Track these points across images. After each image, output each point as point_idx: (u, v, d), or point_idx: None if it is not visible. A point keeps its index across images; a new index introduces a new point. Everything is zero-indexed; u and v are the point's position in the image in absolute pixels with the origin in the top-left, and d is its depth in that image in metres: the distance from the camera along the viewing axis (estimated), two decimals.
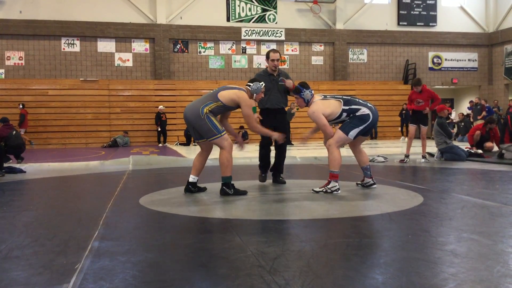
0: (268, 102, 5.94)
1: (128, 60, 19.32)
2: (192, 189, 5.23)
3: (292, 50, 20.95)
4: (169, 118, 18.17)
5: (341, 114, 5.19)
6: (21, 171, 7.92)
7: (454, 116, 21.08)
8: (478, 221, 3.67)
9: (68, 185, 6.69)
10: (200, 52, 20.00)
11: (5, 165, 7.99)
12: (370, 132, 5.58)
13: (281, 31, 20.55)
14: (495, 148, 10.27)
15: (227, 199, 4.84)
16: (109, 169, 8.55)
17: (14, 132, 9.95)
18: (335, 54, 21.24)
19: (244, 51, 20.44)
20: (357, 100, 5.32)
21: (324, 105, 5.22)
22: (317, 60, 21.29)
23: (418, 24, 21.98)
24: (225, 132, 5.06)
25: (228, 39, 20.18)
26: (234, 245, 3.01)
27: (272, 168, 6.18)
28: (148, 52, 19.46)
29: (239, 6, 20.30)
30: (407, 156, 8.97)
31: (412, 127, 9.20)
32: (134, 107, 18.72)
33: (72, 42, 18.75)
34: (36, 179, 7.08)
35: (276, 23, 20.61)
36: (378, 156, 9.37)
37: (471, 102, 19.82)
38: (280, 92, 6.08)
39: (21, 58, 18.35)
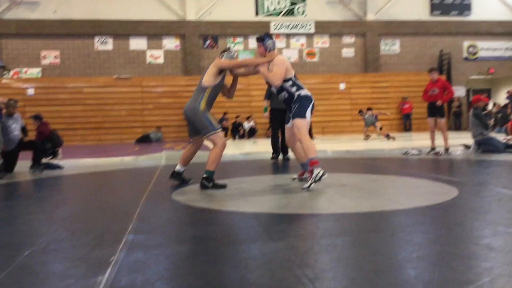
0: (275, 103, 8.00)
1: (159, 57, 19.58)
2: (177, 178, 5.55)
3: (322, 43, 20.75)
4: None
5: (288, 80, 5.17)
6: (58, 167, 8.16)
7: (491, 107, 20.47)
8: None
9: (104, 180, 6.86)
10: (229, 47, 20.04)
11: (44, 161, 8.25)
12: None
13: (311, 24, 20.38)
14: None
15: (259, 194, 4.86)
16: (142, 164, 8.71)
17: (55, 130, 10.25)
18: (366, 46, 20.92)
19: None
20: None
21: (286, 62, 5.22)
22: (348, 53, 21.03)
23: (452, 13, 21.39)
24: (220, 129, 5.23)
25: (257, 33, 20.07)
26: (264, 238, 3.03)
27: (281, 149, 8.35)
28: (178, 48, 19.66)
29: (267, 0, 20.24)
30: (432, 149, 8.83)
31: (430, 120, 9.03)
32: (166, 103, 18.97)
33: (105, 40, 19.13)
34: (73, 175, 7.28)
35: (305, 16, 20.45)
36: (412, 149, 9.21)
37: (508, 92, 19.21)
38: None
39: (56, 57, 18.86)
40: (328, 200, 4.40)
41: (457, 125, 20.92)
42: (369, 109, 16.64)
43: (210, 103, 5.27)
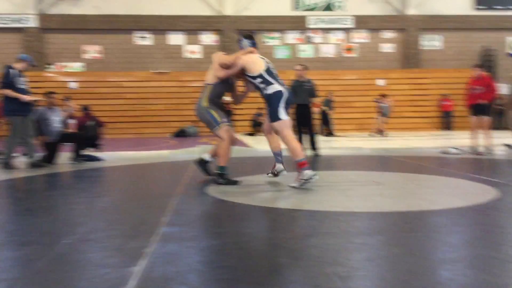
0: (297, 100, 7.95)
1: (197, 52, 19.78)
2: (201, 166, 5.52)
3: (361, 38, 20.44)
4: (235, 108, 18.38)
5: (257, 77, 5.01)
6: (99, 159, 8.39)
7: None
8: None
9: (141, 173, 7.01)
10: (266, 42, 20.05)
11: (85, 153, 8.50)
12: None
13: (349, 19, 20.10)
14: None
15: (292, 190, 4.85)
16: (178, 158, 8.85)
17: (92, 123, 10.58)
18: (406, 41, 20.47)
19: (310, 40, 20.23)
20: (277, 77, 5.09)
21: (251, 57, 5.11)
22: (387, 48, 20.64)
23: (496, 7, 20.64)
24: (224, 123, 5.15)
25: (294, 28, 20.06)
26: (296, 235, 3.02)
27: (310, 146, 8.70)
28: (216, 44, 19.80)
29: None
30: (474, 148, 8.58)
31: (472, 119, 8.74)
32: None
33: (144, 35, 19.48)
34: (112, 167, 7.48)
35: (344, 10, 20.19)
36: (452, 147, 8.97)
37: None
38: (306, 93, 8.67)
39: (98, 52, 19.34)
40: (363, 199, 4.35)
41: (500, 124, 20.21)
42: (383, 95, 16.42)
43: (214, 100, 5.25)
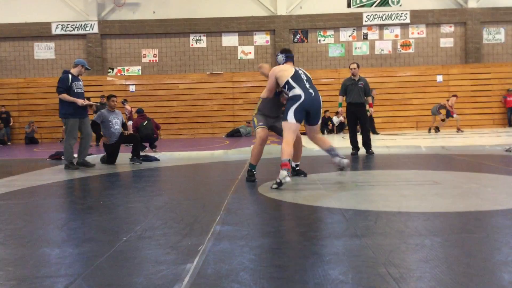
0: (351, 98, 8.56)
1: (250, 52, 19.94)
2: (294, 173, 5.70)
3: (418, 33, 19.83)
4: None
5: (285, 85, 5.25)
6: (155, 159, 8.66)
7: None
8: None
9: (195, 173, 7.16)
10: (319, 41, 19.89)
11: (142, 153, 8.80)
12: (314, 120, 5.28)
13: (406, 14, 19.55)
14: None
15: (344, 189, 4.80)
16: (232, 157, 8.96)
17: (146, 122, 10.94)
18: (467, 35, 19.63)
19: (365, 37, 19.86)
20: (304, 81, 5.23)
21: (281, 68, 5.37)
22: (446, 43, 19.89)
23: None
24: (259, 127, 5.65)
25: (348, 25, 19.76)
26: (348, 235, 2.99)
27: (363, 144, 8.62)
28: (268, 44, 19.87)
29: None
30: None
31: None
32: (256, 98, 19.22)
33: (199, 38, 19.88)
34: (168, 167, 7.69)
35: (400, 5, 19.66)
36: None
37: None
38: (360, 91, 8.54)
39: (155, 56, 19.95)
40: (419, 198, 4.22)
41: None
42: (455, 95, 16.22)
43: (263, 110, 5.77)
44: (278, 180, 4.88)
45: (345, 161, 5.18)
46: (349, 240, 2.87)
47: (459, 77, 19.24)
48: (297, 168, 5.81)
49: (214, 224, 3.34)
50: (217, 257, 2.58)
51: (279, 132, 5.71)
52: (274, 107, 5.73)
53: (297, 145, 5.64)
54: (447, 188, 4.71)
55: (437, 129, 16.04)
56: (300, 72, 5.36)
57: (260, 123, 5.66)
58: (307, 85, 5.23)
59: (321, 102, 5.29)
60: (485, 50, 19.79)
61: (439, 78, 19.26)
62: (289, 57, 5.54)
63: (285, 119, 5.16)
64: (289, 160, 5.00)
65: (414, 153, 8.85)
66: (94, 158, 8.71)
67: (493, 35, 19.79)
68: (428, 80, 19.23)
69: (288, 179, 4.84)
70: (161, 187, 5.86)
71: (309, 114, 5.21)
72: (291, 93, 5.17)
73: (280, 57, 5.56)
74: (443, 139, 12.05)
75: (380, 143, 10.63)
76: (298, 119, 5.12)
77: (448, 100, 16.22)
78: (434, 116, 16.28)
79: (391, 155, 8.53)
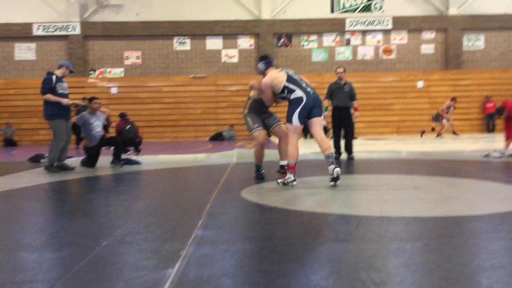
0: (337, 102, 8.63)
1: (234, 56, 19.95)
2: (282, 171, 5.91)
3: (400, 39, 20.06)
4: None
5: (283, 90, 5.42)
6: (137, 162, 8.59)
7: None
8: None
9: (177, 176, 7.12)
10: (303, 45, 20.00)
11: (123, 156, 8.72)
12: (318, 112, 5.42)
13: (388, 20, 19.78)
14: None
15: (327, 194, 4.82)
16: (214, 161, 8.94)
17: (128, 126, 10.86)
18: (447, 42, 19.94)
19: (348, 42, 20.04)
20: (299, 82, 5.45)
21: (272, 77, 5.50)
22: (427, 49, 20.17)
23: None
24: (256, 128, 5.86)
25: (331, 31, 19.90)
26: (330, 240, 3.00)
27: (345, 148, 8.57)
28: (253, 47, 19.90)
29: None
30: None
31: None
32: (239, 102, 19.25)
33: (183, 41, 19.81)
34: (149, 170, 7.63)
35: (382, 11, 19.89)
36: (494, 151, 8.68)
37: None
38: (346, 95, 8.62)
39: (138, 58, 19.81)
40: (400, 203, 4.27)
41: None
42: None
43: (254, 108, 5.95)
44: (284, 181, 5.30)
45: (337, 170, 5.10)
46: (331, 244, 2.88)
47: (440, 83, 19.53)
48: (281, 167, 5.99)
49: (196, 229, 3.32)
50: (198, 262, 2.56)
51: (268, 129, 6.06)
52: (263, 102, 5.86)
53: (285, 144, 5.77)
54: (427, 193, 4.76)
55: (453, 133, 16.24)
56: (291, 73, 5.53)
57: (256, 125, 5.85)
58: (304, 85, 5.43)
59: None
60: (465, 57, 20.13)
61: (420, 84, 19.52)
62: (269, 63, 5.73)
63: (290, 121, 5.37)
64: (295, 164, 5.32)
65: (395, 158, 8.95)
66: (74, 161, 8.59)
67: (473, 42, 20.15)
68: (409, 85, 19.47)
69: (295, 183, 5.24)
70: (143, 191, 5.82)
71: (312, 110, 5.39)
72: (292, 96, 5.37)
73: (261, 65, 5.71)
74: (423, 145, 12.21)
75: (362, 148, 10.72)
76: (302, 121, 5.38)
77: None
78: (437, 123, 16.36)
79: (372, 160, 8.61)
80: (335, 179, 5.09)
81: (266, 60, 5.70)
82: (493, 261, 2.49)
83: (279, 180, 5.41)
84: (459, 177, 5.94)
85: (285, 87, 5.38)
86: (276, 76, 5.46)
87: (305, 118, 5.39)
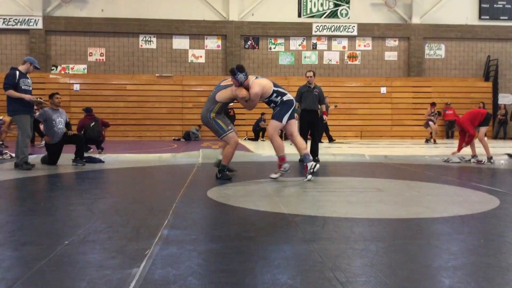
0: (306, 105, 8.55)
1: (201, 56, 19.84)
2: (218, 167, 6.18)
3: (365, 46, 20.49)
4: (238, 113, 18.44)
5: (272, 94, 5.90)
6: (100, 161, 8.40)
7: None
8: None
9: (142, 176, 7.01)
10: (270, 48, 20.11)
11: (86, 155, 8.51)
12: (293, 113, 6.06)
13: (354, 26, 20.16)
14: None
15: (293, 195, 4.85)
16: (180, 161, 8.86)
17: (93, 123, 10.60)
18: (410, 50, 20.50)
19: (314, 47, 20.29)
20: (279, 86, 6.04)
21: (261, 86, 5.86)
22: (390, 56, 20.68)
23: (501, 18, 20.68)
24: (230, 131, 6.02)
25: (298, 35, 20.11)
26: (296, 240, 3.02)
27: (310, 151, 7.91)
28: (220, 48, 19.86)
29: (311, 1, 20.15)
30: (473, 156, 8.67)
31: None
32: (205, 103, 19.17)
33: (149, 39, 19.55)
34: (113, 169, 7.48)
35: (348, 18, 20.25)
36: (453, 156, 8.96)
37: None
38: (315, 99, 8.60)
39: (102, 55, 19.42)
40: (364, 205, 4.34)
41: (502, 134, 20.19)
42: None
43: (220, 112, 6.11)
44: (282, 172, 5.90)
45: (318, 166, 5.96)
46: (297, 245, 2.90)
47: (402, 89, 20.03)
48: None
49: (162, 228, 3.28)
50: (164, 261, 2.53)
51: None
52: (226, 106, 6.30)
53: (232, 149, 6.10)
54: (390, 195, 4.87)
55: (433, 141, 16.39)
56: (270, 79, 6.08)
57: (230, 127, 6.07)
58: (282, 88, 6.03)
59: None
60: (427, 65, 20.73)
61: (383, 89, 19.96)
62: (247, 74, 5.97)
63: (279, 120, 5.89)
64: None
65: (359, 161, 9.11)
66: (34, 158, 8.32)
67: (435, 51, 20.78)
68: (372, 91, 19.88)
69: (288, 170, 5.93)
70: (106, 190, 5.70)
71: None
72: (285, 98, 5.92)
73: (241, 77, 5.87)
74: (385, 149, 12.48)
75: (326, 151, 10.86)
76: (286, 121, 5.93)
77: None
78: (428, 128, 16.70)
79: (336, 163, 8.74)
80: (313, 173, 5.84)
81: (245, 71, 5.93)
82: (454, 262, 2.57)
83: (273, 176, 5.92)
84: (420, 180, 6.10)
85: (274, 92, 5.89)
86: (265, 84, 5.89)
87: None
